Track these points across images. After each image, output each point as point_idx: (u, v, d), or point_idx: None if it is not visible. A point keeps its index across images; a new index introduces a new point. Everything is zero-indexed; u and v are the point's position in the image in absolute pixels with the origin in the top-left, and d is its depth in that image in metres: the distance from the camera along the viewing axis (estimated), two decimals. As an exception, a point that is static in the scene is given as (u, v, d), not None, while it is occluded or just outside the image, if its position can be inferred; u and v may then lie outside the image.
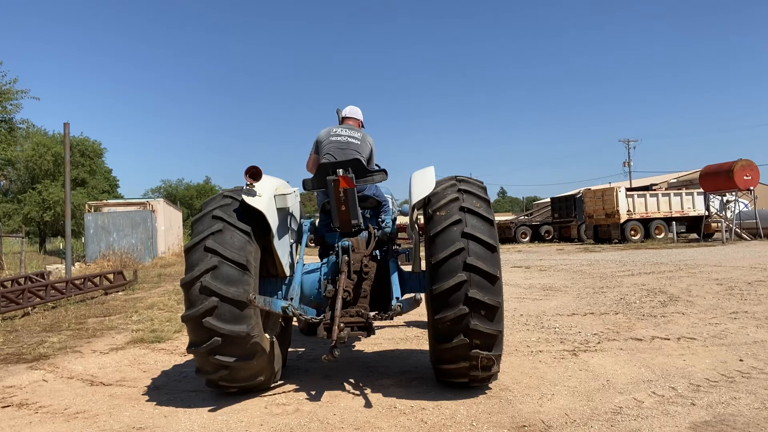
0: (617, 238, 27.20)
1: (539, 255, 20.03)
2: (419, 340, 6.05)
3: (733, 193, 26.22)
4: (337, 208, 4.45)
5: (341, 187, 4.27)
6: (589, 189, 31.77)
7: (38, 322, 8.42)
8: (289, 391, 4.37)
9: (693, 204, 27.84)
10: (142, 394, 4.47)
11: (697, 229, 27.70)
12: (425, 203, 4.18)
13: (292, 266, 4.70)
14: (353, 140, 4.96)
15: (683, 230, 27.84)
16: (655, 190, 30.73)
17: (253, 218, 4.09)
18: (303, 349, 5.87)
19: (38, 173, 36.84)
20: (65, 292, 10.48)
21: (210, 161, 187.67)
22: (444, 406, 3.88)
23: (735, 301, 7.83)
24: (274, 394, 4.31)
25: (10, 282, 10.94)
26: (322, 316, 4.10)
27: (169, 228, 29.16)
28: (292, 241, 4.80)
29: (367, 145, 5.06)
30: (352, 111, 5.40)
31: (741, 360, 4.76)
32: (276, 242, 4.26)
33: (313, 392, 4.33)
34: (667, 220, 27.32)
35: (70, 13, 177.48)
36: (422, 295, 3.95)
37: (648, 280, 10.74)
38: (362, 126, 5.44)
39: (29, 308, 9.31)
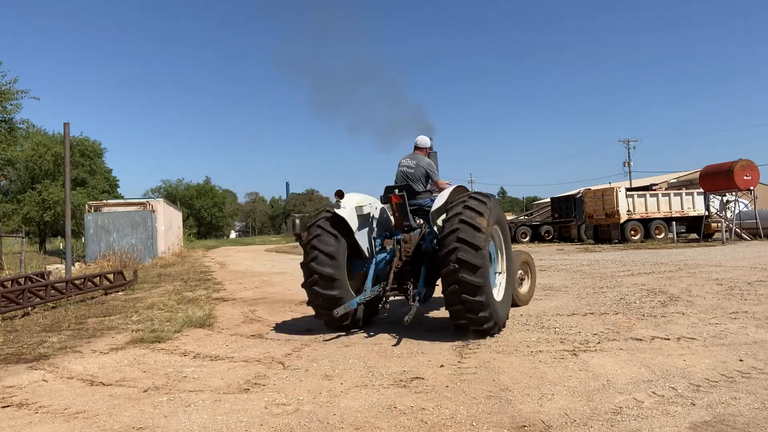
0: (617, 238, 27.19)
1: (539, 255, 20.03)
2: (419, 340, 6.05)
3: (733, 193, 26.20)
4: (393, 214, 6.91)
5: (393, 201, 6.72)
6: (589, 189, 31.76)
7: (38, 322, 8.42)
8: (289, 391, 4.38)
9: (693, 204, 27.81)
10: (142, 394, 4.47)
11: (697, 229, 27.67)
12: (444, 211, 6.29)
13: (371, 251, 6.91)
14: (409, 169, 7.13)
15: (683, 230, 27.81)
16: (655, 190, 30.70)
17: (342, 223, 6.50)
18: (303, 349, 5.87)
19: (38, 173, 36.82)
20: (65, 292, 10.47)
21: (210, 161, 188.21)
22: (444, 406, 3.88)
23: (735, 301, 7.83)
24: (274, 394, 4.31)
25: (10, 282, 10.94)
26: (380, 286, 6.46)
27: (169, 228, 29.16)
28: (373, 235, 6.99)
29: (421, 169, 7.10)
30: (419, 141, 7.43)
31: (741, 360, 4.76)
32: (357, 236, 6.64)
33: (313, 392, 4.33)
34: (667, 220, 27.30)
35: (71, 14, 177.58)
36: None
37: (648, 280, 10.73)
38: (430, 150, 7.49)
39: (29, 308, 9.31)
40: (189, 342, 6.52)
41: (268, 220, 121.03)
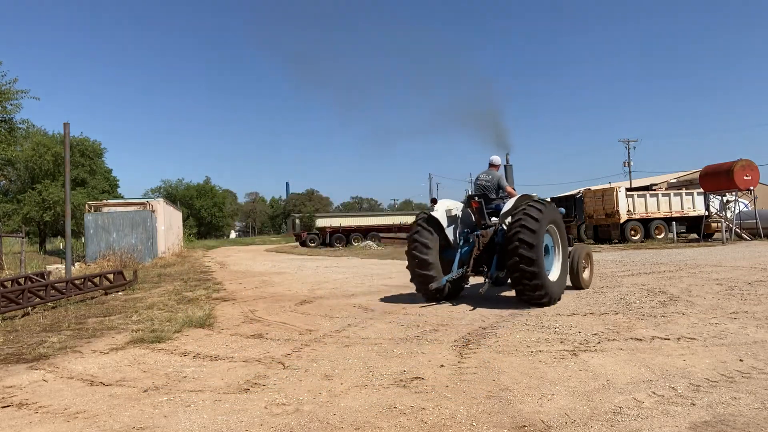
0: (617, 238, 27.19)
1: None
2: (419, 340, 6.06)
3: (733, 193, 26.21)
4: (473, 215, 9.15)
5: (473, 206, 8.96)
6: (589, 189, 31.75)
7: (38, 322, 8.41)
8: (289, 391, 4.38)
9: (693, 204, 27.81)
10: (142, 394, 4.47)
11: (697, 229, 27.67)
12: (511, 214, 8.39)
13: (457, 243, 9.05)
14: (486, 182, 9.34)
15: (683, 230, 27.81)
16: (655, 190, 30.69)
17: (435, 222, 8.88)
18: (303, 349, 5.87)
19: (38, 173, 36.81)
20: (65, 292, 10.47)
21: (210, 161, 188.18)
22: (444, 406, 3.88)
23: (735, 301, 7.83)
24: (274, 394, 4.31)
25: (10, 282, 10.94)
26: (463, 268, 8.59)
27: (169, 228, 29.15)
28: (458, 231, 9.17)
29: (494, 181, 9.29)
30: (493, 160, 9.56)
31: (741, 360, 4.76)
32: (447, 231, 8.93)
33: (313, 392, 4.33)
34: (667, 220, 27.29)
35: (71, 14, 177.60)
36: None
37: (648, 280, 10.73)
38: (503, 164, 9.79)
39: (29, 308, 9.31)
40: (189, 342, 6.52)
41: (268, 220, 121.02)
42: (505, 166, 9.68)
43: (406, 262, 9.09)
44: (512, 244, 7.79)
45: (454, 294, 9.13)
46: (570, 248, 9.47)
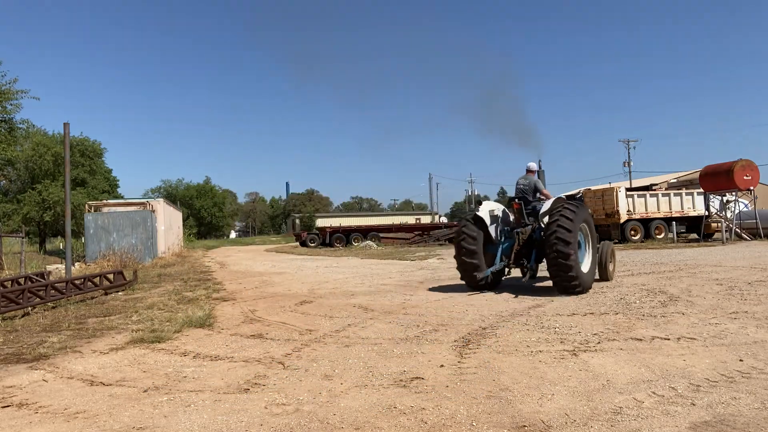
0: (617, 238, 27.16)
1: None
2: (419, 340, 6.06)
3: (733, 193, 26.19)
4: (513, 214, 10.44)
5: (514, 207, 10.24)
6: (589, 189, 31.72)
7: (38, 322, 8.41)
8: (289, 391, 4.38)
9: (693, 204, 27.79)
10: (142, 394, 4.47)
11: (697, 229, 27.65)
12: (548, 214, 9.58)
13: (498, 239, 10.26)
14: (524, 186, 10.49)
15: (683, 230, 27.78)
16: (655, 190, 30.68)
17: (480, 220, 10.12)
18: (303, 349, 5.87)
19: (38, 173, 36.78)
20: (65, 292, 10.47)
21: (210, 161, 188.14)
22: (444, 406, 3.88)
23: (735, 301, 7.83)
24: (274, 394, 4.31)
25: (10, 282, 10.94)
26: (504, 261, 9.87)
27: (169, 228, 29.15)
28: (499, 229, 10.36)
29: (532, 185, 10.43)
30: (530, 166, 10.68)
31: (741, 360, 4.76)
32: (490, 229, 10.15)
33: (313, 392, 4.33)
34: (667, 220, 27.27)
35: (71, 13, 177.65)
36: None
37: (648, 280, 10.74)
38: (537, 169, 10.94)
39: (29, 308, 9.31)
40: (189, 342, 6.52)
41: (268, 220, 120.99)
42: (537, 172, 10.86)
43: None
44: (551, 240, 8.93)
45: (495, 284, 10.31)
46: (598, 244, 10.54)
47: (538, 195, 10.43)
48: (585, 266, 9.59)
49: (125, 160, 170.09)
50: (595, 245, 10.18)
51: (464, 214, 10.93)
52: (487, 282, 9.95)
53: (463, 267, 10.06)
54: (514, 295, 9.21)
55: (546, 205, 9.81)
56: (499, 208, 10.54)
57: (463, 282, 10.36)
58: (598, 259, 10.39)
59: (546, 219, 9.58)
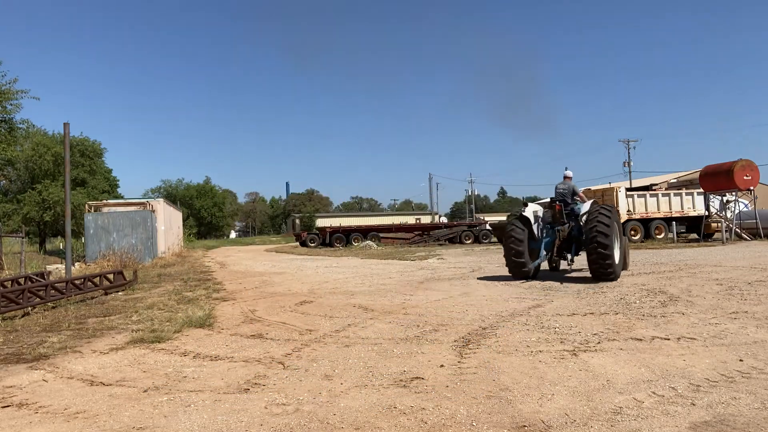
0: (617, 238, 27.15)
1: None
2: (419, 340, 6.06)
3: (733, 193, 26.19)
4: (553, 215, 11.78)
5: (556, 209, 11.70)
6: (589, 189, 31.71)
7: (38, 322, 8.41)
8: (289, 391, 4.38)
9: (693, 204, 27.79)
10: (142, 394, 4.47)
11: (697, 229, 27.64)
12: (587, 214, 11.14)
13: (540, 236, 11.75)
14: (563, 190, 12.08)
15: (683, 230, 27.78)
16: (655, 190, 30.68)
17: (525, 219, 11.65)
18: (303, 349, 5.87)
19: (38, 173, 36.76)
20: (65, 292, 10.47)
21: (210, 161, 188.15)
22: (444, 406, 3.88)
23: (735, 301, 7.83)
24: (274, 394, 4.31)
25: (10, 282, 10.94)
26: (550, 254, 11.75)
27: (169, 228, 29.14)
28: (541, 227, 11.86)
29: (570, 189, 12.05)
30: (567, 173, 12.39)
31: (741, 360, 4.76)
32: (533, 227, 11.66)
33: (313, 392, 4.33)
34: (667, 220, 27.27)
35: (70, 13, 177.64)
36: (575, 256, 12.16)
37: (648, 280, 10.74)
38: (572, 176, 12.44)
39: (29, 308, 9.31)
40: (189, 342, 6.52)
41: (268, 220, 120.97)
42: (570, 178, 12.62)
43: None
44: (592, 235, 10.52)
45: (536, 274, 11.95)
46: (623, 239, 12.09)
47: (575, 198, 12.03)
48: (616, 258, 10.97)
49: (125, 160, 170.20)
50: (621, 241, 11.49)
51: (511, 213, 13.02)
52: (531, 274, 11.61)
53: (511, 260, 11.62)
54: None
55: (585, 207, 11.43)
56: (539, 209, 12.12)
57: (508, 274, 12.06)
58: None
59: (584, 218, 11.14)
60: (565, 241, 11.77)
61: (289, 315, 8.30)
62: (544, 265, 12.51)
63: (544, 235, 11.85)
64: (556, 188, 12.24)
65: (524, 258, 11.45)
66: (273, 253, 32.20)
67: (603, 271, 10.56)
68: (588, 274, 11.38)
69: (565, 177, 12.40)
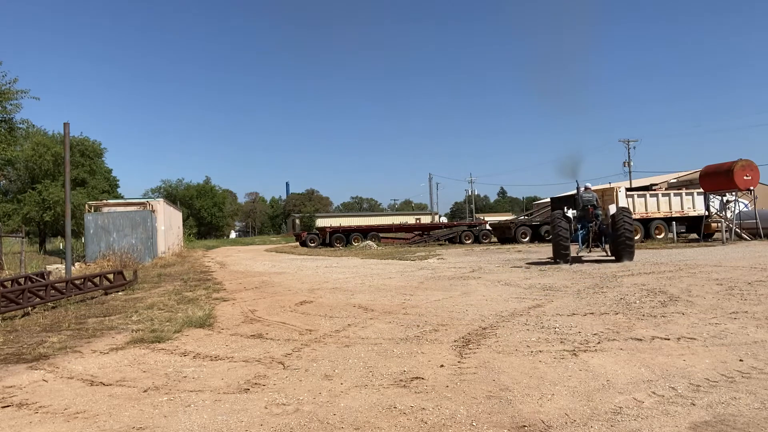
0: (617, 238, 27.15)
1: (539, 255, 20.02)
2: (419, 340, 6.06)
3: (733, 193, 26.19)
4: (586, 215, 16.69)
5: (589, 210, 16.58)
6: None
7: (38, 322, 8.42)
8: (289, 391, 4.38)
9: (693, 204, 27.80)
10: (142, 394, 4.47)
11: (697, 229, 27.65)
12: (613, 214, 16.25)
13: (574, 230, 16.49)
14: (591, 198, 16.76)
15: (683, 230, 27.79)
16: (655, 190, 30.69)
17: (566, 216, 16.50)
18: (303, 349, 5.87)
19: (38, 173, 36.76)
20: (65, 292, 10.47)
21: (210, 161, 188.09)
22: (444, 406, 3.88)
23: (735, 301, 7.83)
24: (274, 394, 4.31)
25: (10, 282, 10.94)
26: (586, 243, 16.63)
27: (169, 228, 29.15)
28: (577, 224, 16.64)
29: (594, 197, 16.83)
30: (588, 185, 17.29)
31: (741, 360, 4.76)
32: (573, 222, 16.65)
33: (313, 392, 4.33)
34: (667, 220, 27.28)
35: (70, 13, 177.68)
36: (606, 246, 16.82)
37: (648, 280, 10.74)
38: (591, 188, 17.66)
39: (29, 308, 9.31)
40: (189, 342, 6.52)
41: (268, 220, 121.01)
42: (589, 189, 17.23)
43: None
44: (621, 228, 15.18)
45: (571, 261, 15.73)
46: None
47: (597, 203, 16.69)
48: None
49: (125, 160, 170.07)
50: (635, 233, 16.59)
51: (556, 213, 16.47)
52: (570, 259, 15.74)
53: (559, 249, 15.64)
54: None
55: (612, 209, 16.20)
56: (572, 212, 16.64)
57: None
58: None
59: (613, 218, 15.65)
60: (597, 234, 16.21)
61: (289, 315, 8.30)
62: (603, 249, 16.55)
63: (579, 228, 16.32)
64: (582, 197, 16.67)
65: (567, 246, 15.61)
66: (273, 253, 32.20)
67: (628, 251, 15.29)
68: (600, 258, 16.55)
69: (587, 188, 17.15)
